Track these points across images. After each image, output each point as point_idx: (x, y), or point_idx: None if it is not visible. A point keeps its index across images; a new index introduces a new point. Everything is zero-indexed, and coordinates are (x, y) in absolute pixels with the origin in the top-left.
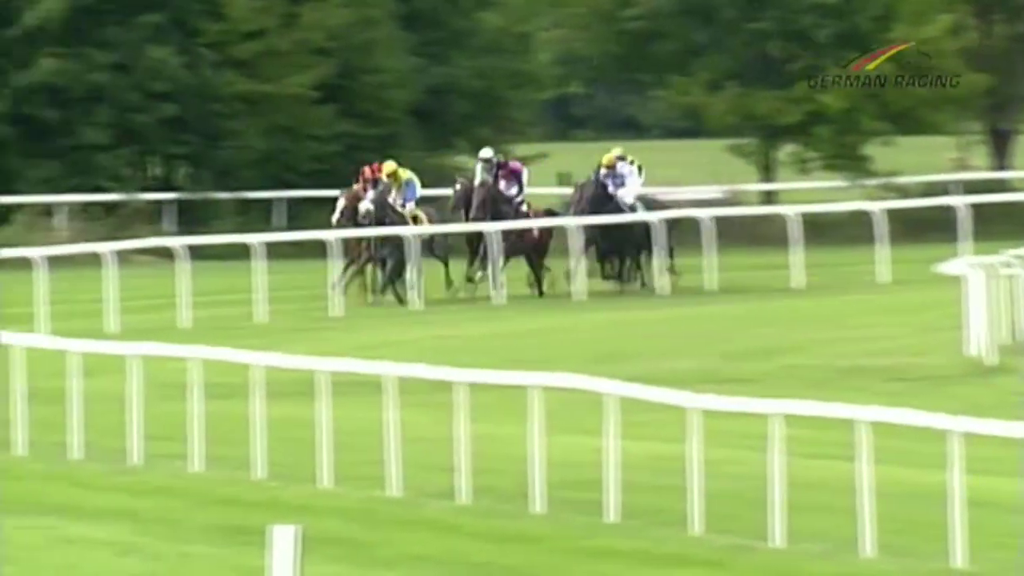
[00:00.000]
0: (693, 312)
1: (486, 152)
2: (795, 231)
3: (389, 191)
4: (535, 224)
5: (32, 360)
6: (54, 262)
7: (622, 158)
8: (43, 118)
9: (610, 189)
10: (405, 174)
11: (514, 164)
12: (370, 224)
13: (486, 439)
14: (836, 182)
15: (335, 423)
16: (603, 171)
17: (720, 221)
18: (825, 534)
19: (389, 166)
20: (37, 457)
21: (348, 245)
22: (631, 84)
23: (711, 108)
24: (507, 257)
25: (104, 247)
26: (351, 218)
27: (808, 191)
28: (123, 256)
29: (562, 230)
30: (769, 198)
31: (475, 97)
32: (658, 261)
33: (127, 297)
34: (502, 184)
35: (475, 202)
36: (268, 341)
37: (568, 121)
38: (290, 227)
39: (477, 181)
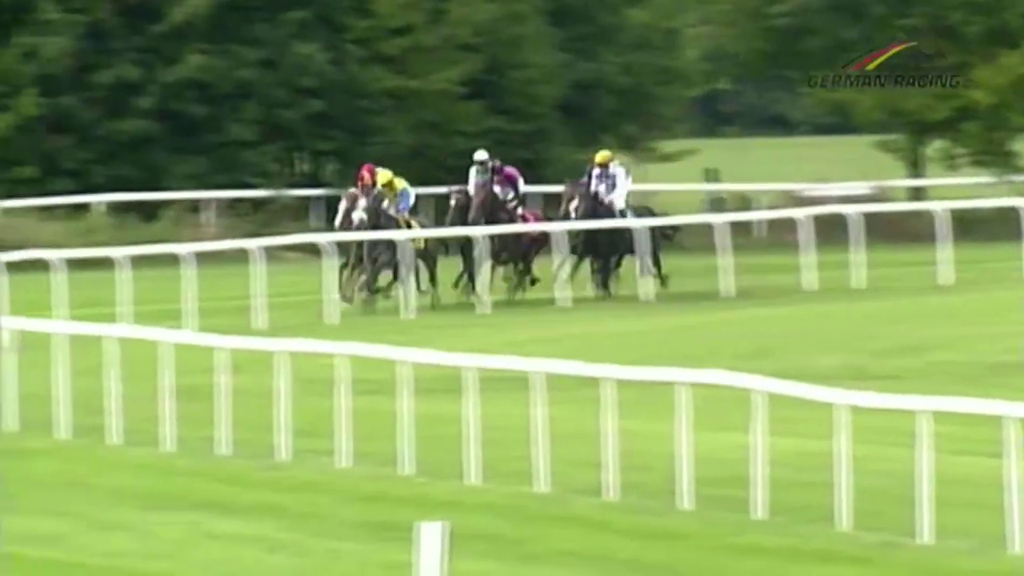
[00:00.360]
0: (840, 308)
1: (481, 154)
2: (943, 227)
3: (382, 199)
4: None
5: (180, 356)
6: (202, 258)
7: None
8: (190, 114)
9: (602, 193)
10: (400, 184)
11: (509, 170)
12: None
13: (633, 435)
14: (984, 178)
15: (482, 419)
16: (596, 170)
17: (868, 217)
18: (973, 531)
19: (385, 175)
20: (185, 453)
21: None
22: (779, 81)
23: (859, 104)
24: (502, 260)
25: (251, 243)
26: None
27: (956, 187)
28: (270, 252)
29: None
30: (917, 194)
31: (622, 93)
32: (639, 264)
33: (274, 293)
34: (497, 189)
35: (474, 202)
36: (415, 337)
37: (716, 117)
38: (437, 223)
39: (472, 186)
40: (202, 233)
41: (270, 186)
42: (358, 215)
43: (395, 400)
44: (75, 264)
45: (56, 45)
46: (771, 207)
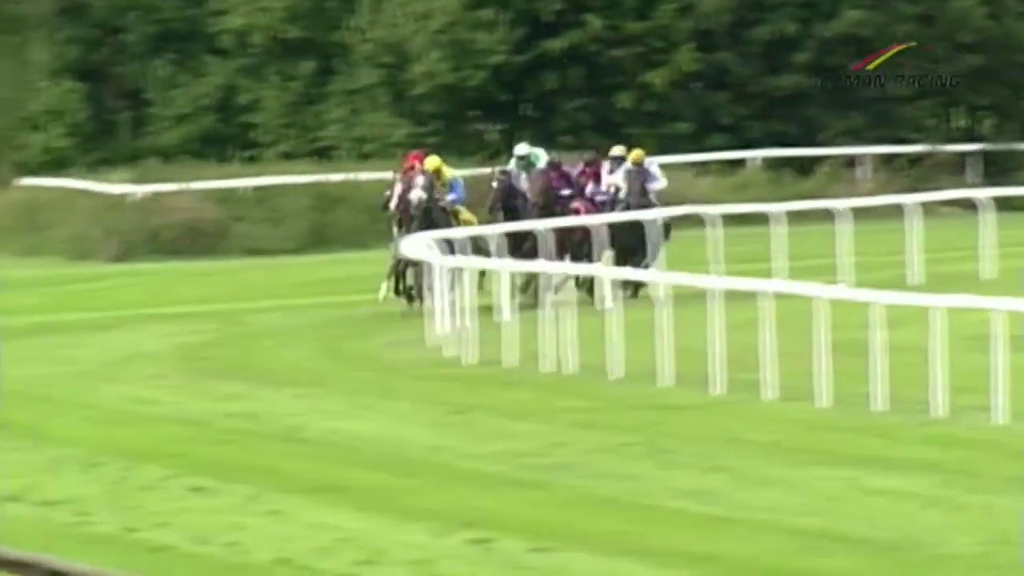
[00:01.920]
0: None
1: (521, 148)
2: None
3: (434, 185)
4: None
5: (836, 312)
6: (857, 213)
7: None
8: (847, 69)
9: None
10: (449, 173)
11: (566, 168)
12: (419, 216)
13: None
14: None
15: None
16: (627, 165)
17: None
18: None
19: (432, 161)
20: (840, 409)
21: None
22: None
23: None
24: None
25: (907, 199)
26: (408, 207)
27: None
28: (926, 208)
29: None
30: None
31: None
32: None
33: (930, 248)
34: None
35: (532, 190)
36: None
37: None
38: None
39: (521, 179)
40: (857, 188)
41: (926, 141)
42: (416, 194)
43: None
44: (731, 219)
45: (713, 1)
46: None
